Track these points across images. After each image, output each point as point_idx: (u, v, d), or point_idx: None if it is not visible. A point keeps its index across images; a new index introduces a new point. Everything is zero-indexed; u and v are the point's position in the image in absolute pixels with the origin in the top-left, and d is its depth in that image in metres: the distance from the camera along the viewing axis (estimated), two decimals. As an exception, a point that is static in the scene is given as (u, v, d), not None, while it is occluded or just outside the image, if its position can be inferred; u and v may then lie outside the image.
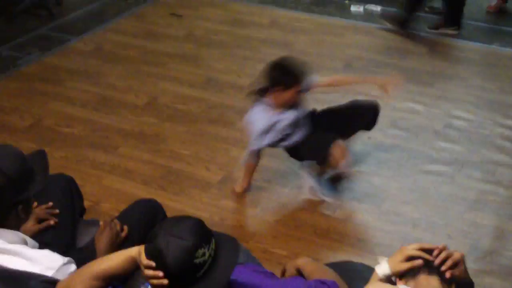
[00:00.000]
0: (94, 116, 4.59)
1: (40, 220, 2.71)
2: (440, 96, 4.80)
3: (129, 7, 6.46)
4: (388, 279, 2.09)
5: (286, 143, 3.68)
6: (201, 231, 2.07)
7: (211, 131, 4.43)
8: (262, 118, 3.57)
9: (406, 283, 2.01)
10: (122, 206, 3.36)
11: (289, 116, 3.58)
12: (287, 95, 3.51)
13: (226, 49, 5.62)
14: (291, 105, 3.58)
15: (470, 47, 5.75)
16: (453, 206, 3.76)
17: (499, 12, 6.41)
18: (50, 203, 2.78)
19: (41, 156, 2.44)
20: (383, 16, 6.09)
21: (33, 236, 2.61)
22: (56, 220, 2.73)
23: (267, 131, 3.58)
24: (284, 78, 3.49)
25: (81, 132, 4.40)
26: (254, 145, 3.64)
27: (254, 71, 5.21)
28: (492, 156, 4.22)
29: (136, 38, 5.80)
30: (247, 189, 3.84)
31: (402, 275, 2.04)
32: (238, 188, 3.84)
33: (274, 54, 5.47)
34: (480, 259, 3.38)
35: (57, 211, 2.77)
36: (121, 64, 5.34)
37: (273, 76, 3.52)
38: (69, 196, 2.90)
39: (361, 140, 4.37)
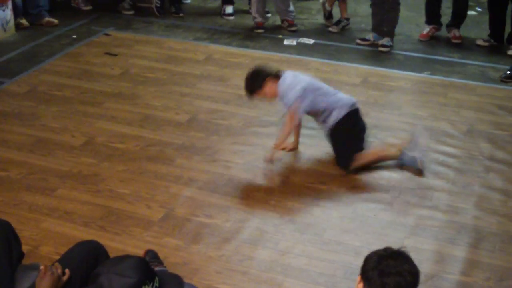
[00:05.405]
0: (30, 159, 4.51)
1: None
2: (375, 125, 4.89)
3: (63, 48, 6.41)
4: None
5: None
6: (144, 268, 2.06)
7: (150, 169, 4.41)
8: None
9: None
10: (63, 249, 3.31)
11: None
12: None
13: (162, 86, 5.63)
14: None
15: (401, 76, 5.90)
16: (393, 233, 3.82)
17: (430, 40, 6.62)
18: None
19: None
20: None
21: None
22: None
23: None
24: None
25: (17, 175, 4.32)
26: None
27: (192, 107, 5.25)
28: (428, 182, 4.32)
29: (71, 78, 5.75)
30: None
31: None
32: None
33: (210, 89, 5.55)
34: (422, 283, 3.40)
35: None
36: (57, 105, 5.27)
37: None
38: (5, 241, 2.84)
39: (301, 172, 4.42)
